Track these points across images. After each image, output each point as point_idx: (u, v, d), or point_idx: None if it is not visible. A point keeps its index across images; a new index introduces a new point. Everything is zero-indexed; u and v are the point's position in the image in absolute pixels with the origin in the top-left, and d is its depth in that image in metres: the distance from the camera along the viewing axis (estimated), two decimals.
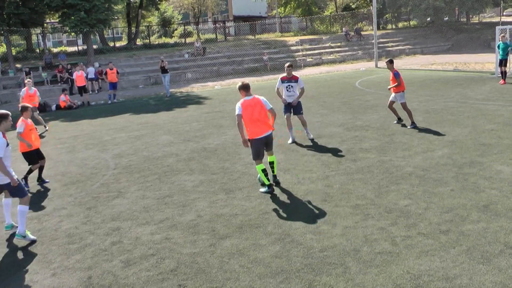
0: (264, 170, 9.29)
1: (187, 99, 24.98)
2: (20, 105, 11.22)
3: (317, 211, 8.06)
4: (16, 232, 8.12)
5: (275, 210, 8.29)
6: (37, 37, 45.11)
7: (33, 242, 8.02)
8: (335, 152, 11.67)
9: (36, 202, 10.15)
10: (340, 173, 10.00)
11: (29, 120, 11.09)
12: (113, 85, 26.59)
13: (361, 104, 18.22)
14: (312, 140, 13.10)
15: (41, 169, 11.65)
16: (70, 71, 31.10)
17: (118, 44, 46.75)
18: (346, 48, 42.98)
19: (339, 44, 43.88)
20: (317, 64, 38.78)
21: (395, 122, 14.44)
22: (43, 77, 32.64)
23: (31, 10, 33.04)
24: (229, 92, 26.57)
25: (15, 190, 8.13)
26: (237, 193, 9.37)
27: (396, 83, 13.66)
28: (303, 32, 49.46)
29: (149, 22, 55.65)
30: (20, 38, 43.26)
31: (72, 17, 32.36)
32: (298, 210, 8.18)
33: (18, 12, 32.39)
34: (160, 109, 21.90)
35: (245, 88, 9.47)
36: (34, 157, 11.21)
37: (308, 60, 38.99)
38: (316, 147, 12.24)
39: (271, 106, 9.56)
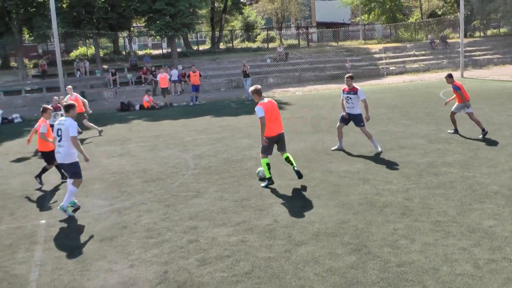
0: (268, 164, 10.38)
1: None
2: (43, 106, 11.65)
3: (395, 225, 7.81)
4: (60, 205, 9.46)
5: (352, 220, 8.13)
6: (124, 40, 46.87)
7: (70, 217, 9.38)
8: (417, 164, 11.34)
9: (118, 196, 10.50)
10: (420, 187, 9.70)
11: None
12: (196, 88, 27.12)
13: (445, 115, 17.61)
14: (379, 153, 12.79)
15: (45, 170, 12.06)
16: (154, 73, 32.04)
17: (201, 47, 47.77)
18: (431, 57, 41.75)
19: (423, 52, 42.62)
20: (400, 73, 37.90)
21: (450, 131, 14.60)
22: (128, 78, 33.86)
23: (119, 15, 34.43)
24: (310, 98, 26.49)
25: (72, 171, 9.64)
26: (315, 200, 9.28)
27: (454, 97, 14.43)
28: (386, 39, 48.51)
29: (232, 26, 56.46)
30: (108, 41, 45.01)
31: (158, 22, 33.38)
32: (376, 222, 7.98)
33: (106, 16, 33.84)
34: (241, 113, 22.12)
35: (258, 92, 10.54)
36: (52, 157, 11.16)
37: (391, 68, 38.28)
38: (397, 159, 11.94)
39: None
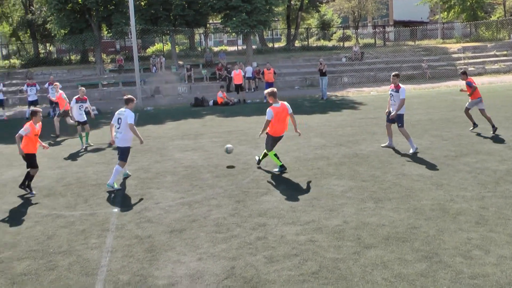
0: (275, 155, 11.77)
1: (342, 103, 24.87)
2: (31, 109, 11.52)
3: (469, 234, 7.52)
4: (107, 183, 11.04)
5: (424, 225, 7.91)
6: (200, 36, 47.64)
7: (117, 190, 10.82)
8: (493, 171, 10.89)
9: (189, 189, 10.70)
10: (497, 195, 9.30)
11: (38, 125, 11.24)
12: (269, 85, 27.10)
13: None
14: (414, 153, 12.63)
15: (30, 177, 11.35)
16: (228, 69, 32.37)
17: (276, 45, 47.88)
18: None
19: (505, 52, 40.44)
20: (479, 74, 36.12)
21: (471, 129, 15.23)
22: (203, 74, 34.39)
23: (195, 11, 34.98)
24: (385, 98, 25.87)
25: (123, 153, 11.21)
26: (386, 203, 9.11)
27: (471, 92, 15.18)
28: (466, 38, 46.77)
29: (308, 24, 56.28)
30: (184, 37, 45.95)
31: (234, 18, 33.65)
32: (448, 230, 7.72)
33: (183, 13, 34.47)
34: (314, 111, 22.02)
35: (274, 95, 11.74)
36: (35, 161, 11.21)
37: (470, 69, 36.81)
38: (472, 164, 11.52)
39: (291, 111, 11.98)
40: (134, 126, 11.06)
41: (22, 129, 10.81)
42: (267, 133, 11.82)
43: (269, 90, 11.93)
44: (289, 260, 6.90)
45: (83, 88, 17.59)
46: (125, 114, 11.04)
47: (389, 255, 6.88)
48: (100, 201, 10.32)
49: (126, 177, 12.03)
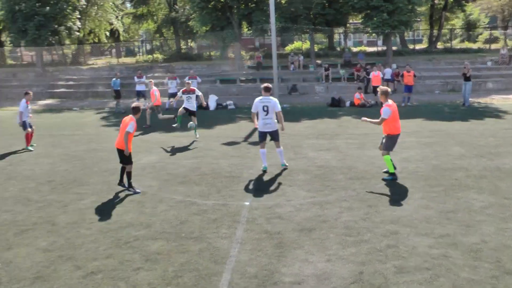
0: (391, 160, 11.53)
1: (485, 111, 23.51)
2: (133, 105, 11.24)
3: None
4: (281, 163, 12.60)
5: None
6: (339, 36, 47.37)
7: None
8: None
9: (321, 189, 10.76)
10: None
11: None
12: (409, 88, 26.46)
13: None
14: None
15: (128, 174, 11.28)
16: (367, 70, 31.90)
17: (417, 46, 46.40)
18: None
19: None
20: None
21: None
22: (341, 74, 34.18)
23: (336, 10, 34.84)
24: None
25: (277, 135, 12.39)
26: None
27: None
28: None
29: (452, 24, 53.82)
30: (323, 36, 45.93)
31: (375, 18, 33.05)
32: None
33: (324, 12, 34.50)
34: (455, 118, 21.03)
35: (386, 94, 12.04)
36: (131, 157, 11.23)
37: None
38: None
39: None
40: (281, 112, 12.15)
41: (129, 127, 10.77)
42: (387, 135, 11.76)
43: (383, 88, 12.27)
44: (420, 273, 6.70)
45: (189, 81, 18.49)
46: (273, 102, 12.08)
47: None
48: (233, 193, 10.71)
49: (264, 170, 12.49)
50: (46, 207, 10.07)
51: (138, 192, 10.88)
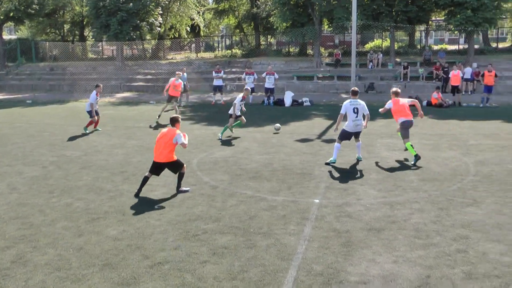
0: (411, 145, 13.25)
1: None
2: (172, 116, 10.92)
3: None
4: (357, 156, 13.39)
5: None
6: (420, 33, 46.27)
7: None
8: None
9: (392, 189, 10.72)
10: None
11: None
12: (488, 89, 25.63)
13: None
14: None
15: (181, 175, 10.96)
16: (446, 69, 31.08)
17: (501, 45, 44.59)
18: None
19: None
20: None
21: None
22: (420, 72, 33.45)
23: (418, 7, 34.08)
24: None
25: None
26: None
27: None
28: None
29: None
30: (404, 34, 45.00)
31: (458, 15, 32.13)
32: None
33: (406, 9, 33.83)
34: None
35: (397, 95, 13.84)
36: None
37: None
38: None
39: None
40: (369, 115, 13.44)
41: (180, 139, 10.48)
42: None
43: (396, 89, 14.22)
44: (489, 280, 6.57)
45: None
46: (362, 104, 13.12)
47: None
48: (303, 190, 10.82)
49: (333, 163, 13.06)
50: (118, 197, 10.44)
51: (187, 190, 10.82)
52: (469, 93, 30.32)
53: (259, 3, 47.49)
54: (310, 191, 10.74)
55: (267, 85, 27.38)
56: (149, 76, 38.31)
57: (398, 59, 36.63)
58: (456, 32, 36.34)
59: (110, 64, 41.58)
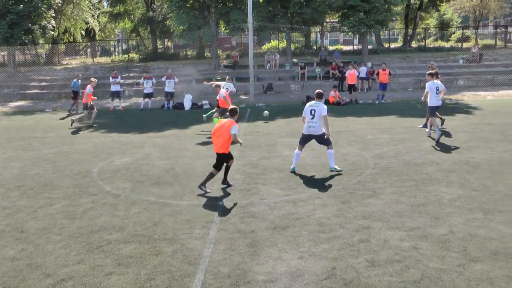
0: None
1: (456, 107, 23.91)
2: (231, 107, 11.05)
3: None
4: (330, 166, 12.09)
5: None
6: (316, 35, 47.58)
7: (339, 171, 11.91)
8: None
9: (295, 187, 10.84)
10: None
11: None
12: (383, 86, 26.76)
13: None
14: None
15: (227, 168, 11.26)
16: (342, 69, 32.13)
17: (393, 45, 46.84)
18: None
19: None
20: None
21: None
22: (316, 72, 34.38)
23: (313, 9, 34.99)
24: (502, 103, 24.74)
25: (323, 139, 12.09)
26: (496, 215, 8.71)
27: None
28: None
29: (426, 24, 54.41)
30: (300, 35, 46.04)
31: (351, 18, 33.37)
32: None
33: (301, 11, 34.63)
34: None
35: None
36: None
37: None
38: None
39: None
40: (327, 118, 11.98)
41: (233, 130, 10.54)
42: None
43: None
44: (391, 265, 6.83)
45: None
46: (320, 107, 11.97)
47: (496, 271, 6.60)
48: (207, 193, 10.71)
49: (293, 171, 12.32)
50: (15, 214, 9.77)
51: (231, 185, 11.13)
52: (365, 91, 31.56)
53: (154, 6, 46.89)
54: (214, 193, 10.64)
55: (167, 89, 26.99)
56: (44, 83, 36.46)
57: (295, 60, 37.41)
58: (350, 33, 37.65)
59: (1, 71, 39.33)
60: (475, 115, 21.07)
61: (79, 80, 27.17)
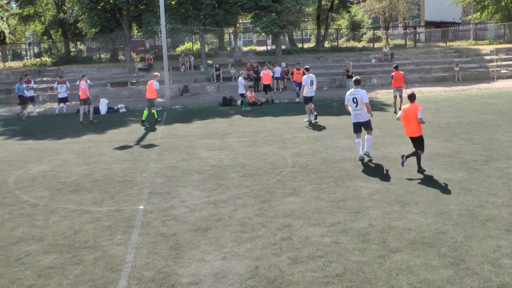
0: None
1: (371, 105, 24.48)
2: (410, 93, 11.59)
3: (498, 241, 7.35)
4: (365, 151, 12.68)
5: (451, 231, 7.79)
6: (229, 36, 47.76)
7: (370, 159, 12.62)
8: None
9: (215, 188, 10.74)
10: None
11: None
12: (299, 85, 27.12)
13: None
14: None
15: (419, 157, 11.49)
16: (256, 69, 32.35)
17: (306, 45, 47.73)
18: None
19: None
20: None
21: None
22: (232, 73, 34.45)
23: (225, 11, 35.12)
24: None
25: (368, 125, 12.84)
26: (413, 207, 9.00)
27: None
28: (499, 40, 45.56)
29: (338, 25, 55.87)
30: (214, 36, 46.01)
31: (264, 18, 33.67)
32: (477, 236, 7.56)
33: (213, 13, 34.65)
34: (343, 113, 21.63)
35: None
36: None
37: (502, 71, 35.88)
38: (503, 170, 11.25)
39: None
40: (369, 104, 12.63)
41: (420, 113, 11.19)
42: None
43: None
44: (313, 261, 6.88)
45: None
46: (360, 94, 12.50)
47: (415, 260, 6.80)
48: (127, 197, 10.44)
49: (361, 159, 12.68)
50: None
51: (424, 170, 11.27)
52: (280, 90, 31.92)
53: (65, 8, 45.34)
54: (134, 198, 10.39)
55: (60, 95, 26.04)
56: None
57: (209, 61, 37.36)
58: (263, 34, 37.98)
59: None
60: (389, 112, 21.75)
61: (23, 84, 25.77)
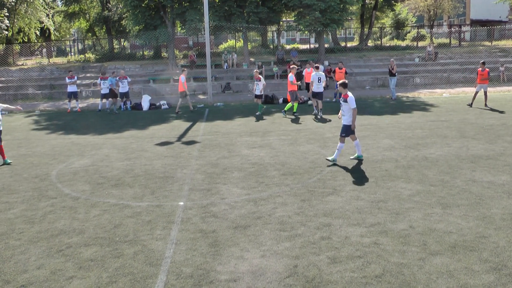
0: None
1: (413, 104, 24.36)
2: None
3: None
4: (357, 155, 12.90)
5: (493, 235, 7.64)
6: (272, 34, 47.72)
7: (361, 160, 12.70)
8: None
9: (255, 186, 10.79)
10: None
11: None
12: None
13: None
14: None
15: None
16: (299, 67, 32.23)
17: (349, 44, 47.40)
18: None
19: None
20: None
21: None
22: (274, 71, 34.49)
23: (269, 9, 35.16)
24: (457, 101, 25.28)
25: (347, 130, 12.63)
26: (454, 209, 8.88)
27: None
28: None
29: (382, 23, 55.27)
30: (257, 34, 46.11)
31: (307, 17, 33.57)
32: None
33: (257, 11, 34.72)
34: (384, 112, 21.69)
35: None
36: None
37: None
38: None
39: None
40: (356, 110, 12.78)
41: None
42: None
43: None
44: (352, 261, 6.86)
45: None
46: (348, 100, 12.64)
47: (455, 264, 6.71)
48: (167, 193, 10.58)
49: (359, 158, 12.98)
50: None
51: None
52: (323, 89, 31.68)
53: (110, 5, 46.19)
54: (174, 194, 10.52)
55: (121, 90, 26.51)
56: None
57: (252, 59, 37.47)
58: (306, 32, 37.87)
59: None
60: (432, 112, 21.47)
61: (115, 78, 26.54)
